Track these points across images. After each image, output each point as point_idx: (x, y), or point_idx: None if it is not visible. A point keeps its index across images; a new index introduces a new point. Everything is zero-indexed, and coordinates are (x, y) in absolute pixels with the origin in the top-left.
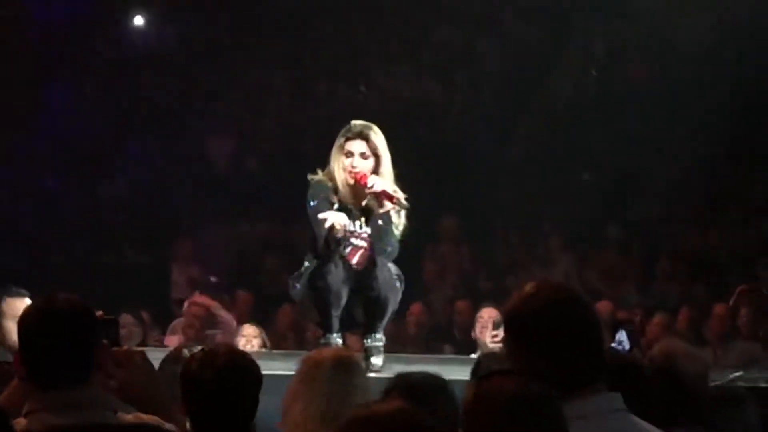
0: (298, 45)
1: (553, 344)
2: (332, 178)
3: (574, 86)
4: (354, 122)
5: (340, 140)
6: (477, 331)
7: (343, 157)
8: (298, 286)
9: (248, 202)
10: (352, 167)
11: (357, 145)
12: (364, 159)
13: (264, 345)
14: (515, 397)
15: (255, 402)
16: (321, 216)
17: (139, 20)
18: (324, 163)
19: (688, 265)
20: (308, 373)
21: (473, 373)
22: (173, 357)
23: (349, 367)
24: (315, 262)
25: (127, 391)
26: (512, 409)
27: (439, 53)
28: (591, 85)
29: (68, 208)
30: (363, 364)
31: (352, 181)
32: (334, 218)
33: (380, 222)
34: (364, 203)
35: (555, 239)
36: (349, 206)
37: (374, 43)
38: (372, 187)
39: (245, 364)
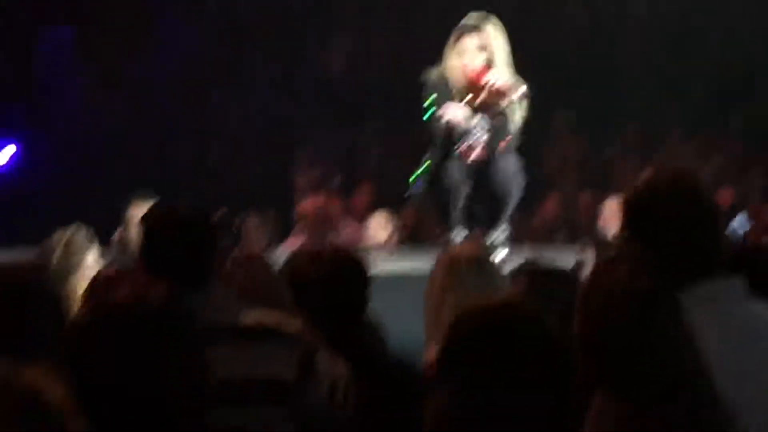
0: None
1: (671, 232)
2: (446, 76)
3: None
4: (469, 15)
5: (453, 36)
6: (602, 222)
7: (457, 55)
8: (419, 183)
9: (367, 103)
10: (465, 65)
11: (470, 41)
12: (479, 52)
13: (394, 234)
14: (628, 289)
15: (363, 299)
16: (439, 112)
17: None
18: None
19: None
20: (448, 274)
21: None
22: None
23: (485, 266)
24: (434, 159)
25: (250, 293)
26: (624, 298)
27: None
28: None
29: (191, 117)
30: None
31: (467, 79)
32: (452, 114)
33: (498, 119)
34: (480, 99)
35: (676, 131)
36: (466, 103)
37: None
38: (488, 83)
39: (352, 261)
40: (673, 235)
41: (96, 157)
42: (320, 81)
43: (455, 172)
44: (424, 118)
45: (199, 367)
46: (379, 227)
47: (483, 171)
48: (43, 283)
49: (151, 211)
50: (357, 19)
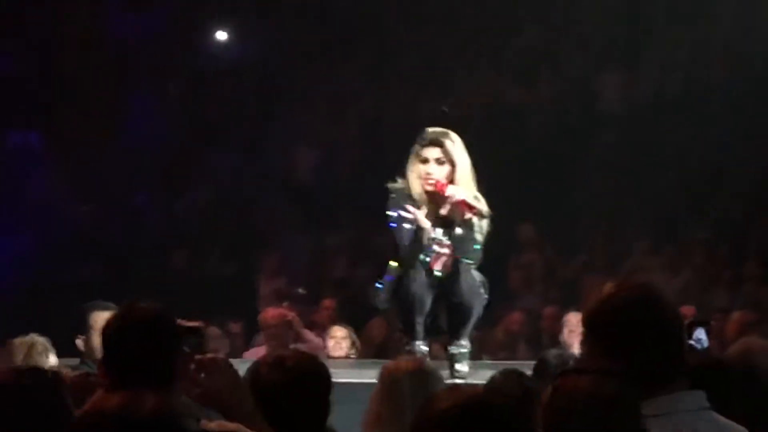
0: (379, 54)
1: (634, 343)
2: (410, 185)
3: (658, 87)
4: (429, 129)
5: (415, 148)
6: (565, 335)
7: (419, 164)
8: (382, 294)
9: (333, 211)
10: (427, 174)
11: (432, 152)
12: (439, 165)
13: (353, 345)
14: (591, 395)
15: (326, 405)
16: (409, 211)
17: (220, 33)
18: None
19: None
20: (387, 390)
21: (535, 371)
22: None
23: (426, 380)
24: (398, 270)
25: (211, 398)
26: (586, 406)
27: (520, 57)
28: (674, 85)
29: (154, 221)
30: (439, 374)
31: (428, 188)
32: (421, 217)
33: (461, 230)
34: (443, 211)
35: (642, 242)
36: (427, 214)
37: (454, 48)
38: (451, 197)
39: (315, 366)
40: (635, 347)
41: (60, 259)
42: (287, 185)
43: (418, 284)
44: (389, 224)
45: None
46: (337, 341)
47: (446, 283)
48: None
49: (111, 316)
50: (324, 127)
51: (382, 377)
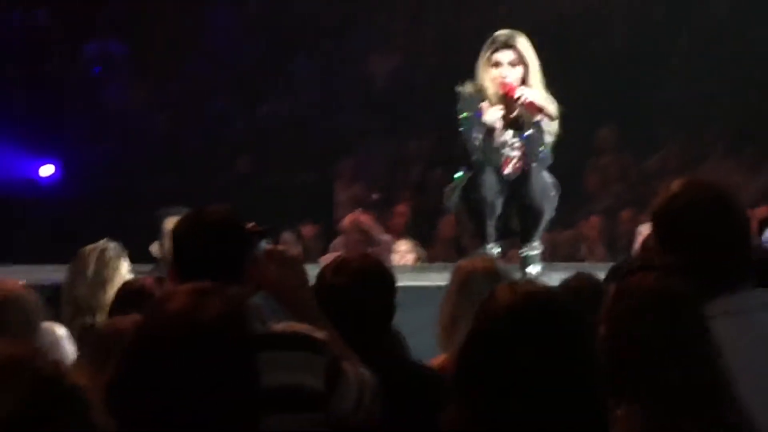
0: None
1: (700, 242)
2: (481, 90)
3: None
4: (500, 31)
5: (486, 52)
6: (637, 246)
7: (492, 68)
8: (453, 197)
9: (410, 117)
10: (501, 77)
11: (505, 55)
12: (512, 67)
13: (419, 259)
14: (654, 293)
15: (390, 308)
16: (482, 110)
17: None
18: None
19: None
20: (460, 289)
21: (607, 278)
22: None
23: (499, 279)
24: (469, 173)
25: (280, 292)
26: (651, 304)
27: None
28: None
29: (233, 128)
30: (512, 275)
31: (501, 92)
32: (491, 116)
33: (532, 131)
34: (514, 114)
35: (721, 143)
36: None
37: None
38: (520, 98)
39: (378, 270)
40: (701, 245)
41: (135, 169)
42: (362, 92)
43: (489, 186)
44: (460, 129)
45: (253, 373)
46: (402, 255)
47: (517, 186)
48: None
49: (180, 219)
50: (401, 32)
51: (456, 276)
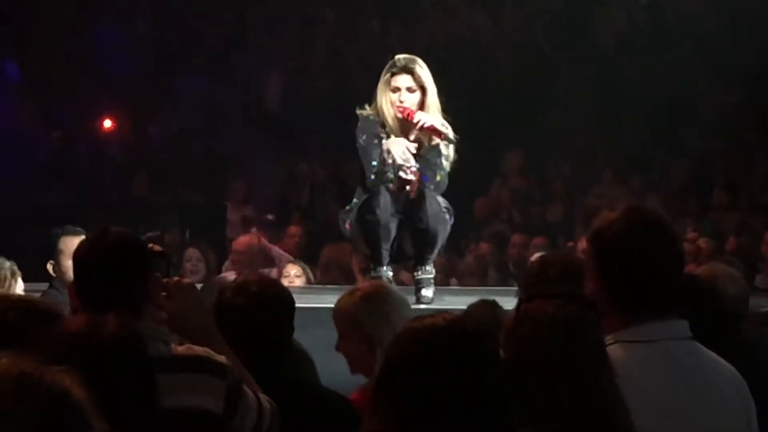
0: None
1: (635, 268)
2: (380, 113)
3: (625, 18)
4: (398, 56)
5: (385, 75)
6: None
7: (390, 93)
8: (348, 221)
9: (299, 139)
10: (400, 102)
11: (403, 80)
12: (410, 93)
13: (309, 283)
14: (554, 318)
15: (289, 328)
16: (385, 146)
17: None
18: (372, 98)
19: (743, 195)
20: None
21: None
22: (209, 287)
23: (379, 298)
24: (364, 196)
25: (177, 322)
26: (547, 329)
27: None
28: (641, 16)
29: (121, 148)
30: (403, 297)
31: (399, 116)
32: (395, 147)
33: (429, 155)
34: (411, 137)
35: (608, 172)
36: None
37: None
38: (419, 122)
39: (278, 290)
40: (635, 273)
41: (24, 187)
42: (255, 113)
43: (384, 209)
44: (358, 151)
45: (152, 394)
46: (291, 280)
47: (412, 209)
48: None
49: (83, 240)
50: (292, 55)
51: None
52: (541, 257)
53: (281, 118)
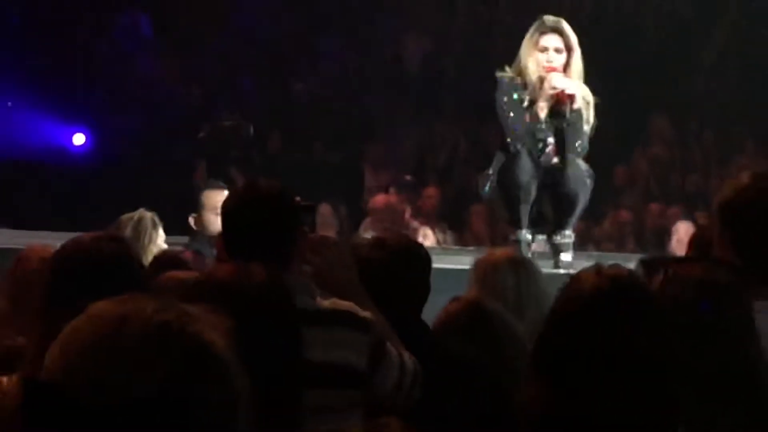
0: None
1: (764, 236)
2: (521, 74)
3: None
4: (546, 17)
5: (533, 35)
6: (673, 244)
7: (537, 53)
8: (488, 183)
9: (441, 101)
10: (548, 62)
11: (551, 40)
12: (558, 53)
13: (438, 243)
14: (702, 282)
15: (426, 286)
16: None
17: None
18: (513, 61)
19: None
20: (482, 278)
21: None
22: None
23: (523, 267)
24: (503, 159)
25: (322, 278)
26: (698, 293)
27: None
28: None
29: (259, 106)
30: (535, 264)
31: (551, 92)
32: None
33: (570, 120)
34: (551, 102)
35: (750, 143)
36: (540, 102)
37: None
38: (562, 88)
39: (414, 248)
40: (765, 240)
41: (164, 143)
42: (394, 76)
43: (524, 171)
44: (502, 113)
45: (297, 346)
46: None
47: (553, 173)
48: (125, 254)
49: (232, 192)
50: (432, 17)
51: (476, 270)
52: (700, 226)
53: (423, 80)
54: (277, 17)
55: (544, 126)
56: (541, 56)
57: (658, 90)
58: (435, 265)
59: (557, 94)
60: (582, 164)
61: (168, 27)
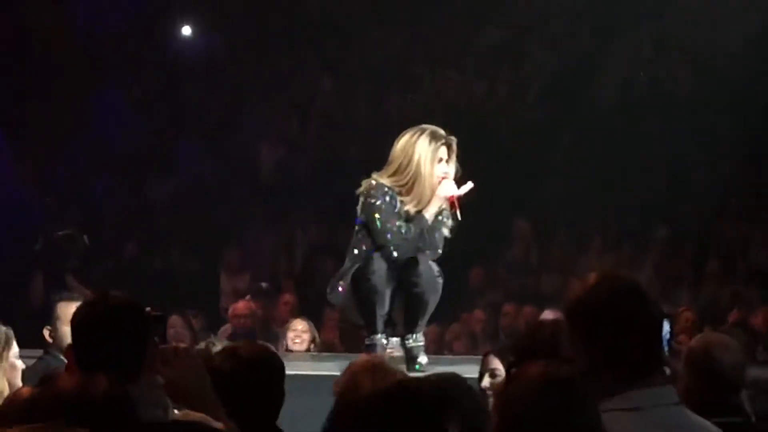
0: (344, 49)
1: (614, 335)
2: (412, 179)
3: (621, 86)
4: (434, 127)
5: (435, 144)
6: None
7: (437, 163)
8: (340, 287)
9: (296, 207)
10: (445, 174)
11: (444, 151)
12: (448, 164)
13: (314, 341)
14: (545, 380)
15: (280, 393)
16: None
17: (186, 28)
18: (370, 166)
19: (736, 265)
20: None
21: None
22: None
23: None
24: (357, 263)
25: (174, 389)
26: (542, 391)
27: (485, 56)
28: (638, 85)
29: (117, 212)
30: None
31: (438, 186)
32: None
33: (432, 222)
34: (432, 208)
35: (598, 241)
36: (408, 209)
37: (420, 45)
38: (456, 196)
39: (267, 356)
40: (616, 339)
41: (20, 252)
42: (251, 180)
43: (380, 275)
44: (375, 218)
45: None
46: (297, 334)
47: (406, 273)
48: None
49: (82, 304)
50: (288, 123)
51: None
52: (533, 323)
53: (278, 186)
54: (134, 123)
55: (412, 226)
56: (439, 166)
57: (512, 191)
58: (299, 371)
59: (449, 200)
60: (433, 265)
61: (21, 134)
